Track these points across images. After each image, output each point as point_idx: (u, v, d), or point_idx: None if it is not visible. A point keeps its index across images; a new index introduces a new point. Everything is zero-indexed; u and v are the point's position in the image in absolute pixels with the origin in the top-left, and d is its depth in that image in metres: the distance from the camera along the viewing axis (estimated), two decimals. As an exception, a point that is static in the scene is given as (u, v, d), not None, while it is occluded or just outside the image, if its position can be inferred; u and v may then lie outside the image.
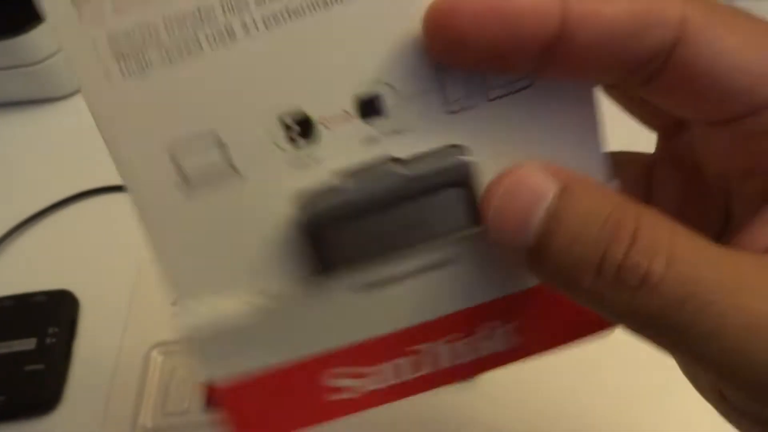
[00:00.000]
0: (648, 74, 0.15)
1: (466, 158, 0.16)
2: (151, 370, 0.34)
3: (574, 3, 0.14)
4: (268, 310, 0.17)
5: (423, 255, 0.17)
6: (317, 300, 0.17)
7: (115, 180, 0.43)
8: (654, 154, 0.20)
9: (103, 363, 0.34)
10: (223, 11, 0.15)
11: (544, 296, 0.18)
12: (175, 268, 0.17)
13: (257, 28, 0.15)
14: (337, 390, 0.18)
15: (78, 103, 0.49)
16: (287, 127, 0.16)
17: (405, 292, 0.17)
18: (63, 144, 0.46)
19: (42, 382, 0.33)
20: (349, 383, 0.18)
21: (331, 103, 0.15)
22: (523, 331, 0.19)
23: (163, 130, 0.15)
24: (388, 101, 0.16)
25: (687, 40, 0.14)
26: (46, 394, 0.33)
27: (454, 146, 0.16)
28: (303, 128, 0.16)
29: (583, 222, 0.14)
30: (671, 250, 0.13)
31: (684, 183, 0.18)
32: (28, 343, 0.34)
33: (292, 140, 0.16)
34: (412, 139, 0.16)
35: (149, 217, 0.16)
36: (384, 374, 0.18)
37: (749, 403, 0.14)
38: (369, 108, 0.16)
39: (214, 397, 0.18)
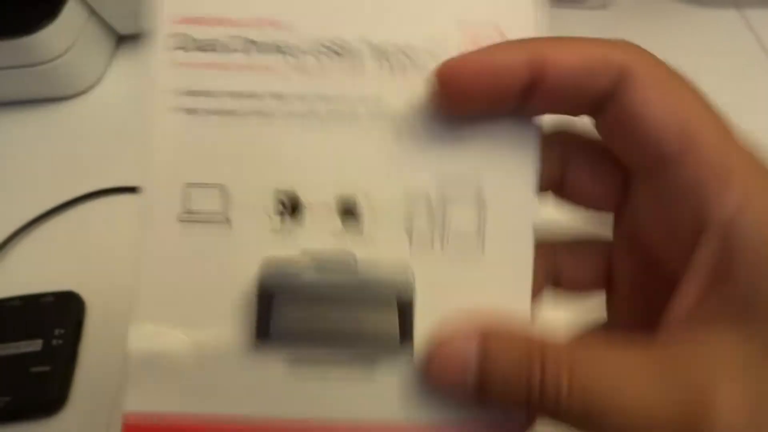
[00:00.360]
0: (598, 110, 0.18)
1: (410, 285, 0.19)
2: (157, 373, 0.34)
3: (548, 52, 0.18)
4: (206, 357, 0.19)
5: (352, 351, 0.19)
6: (253, 363, 0.19)
7: (123, 181, 0.43)
8: (611, 242, 0.22)
9: (109, 365, 0.34)
10: (270, 97, 0.19)
11: None
12: (146, 287, 0.19)
13: (289, 117, 0.19)
14: None
15: (87, 103, 0.49)
16: (280, 202, 0.18)
17: (332, 384, 0.19)
18: (71, 144, 0.46)
19: (48, 383, 0.33)
20: None
21: (319, 195, 0.19)
22: None
23: (188, 168, 0.19)
24: (363, 208, 0.19)
25: (624, 85, 0.17)
26: (51, 396, 0.33)
27: (403, 270, 0.19)
28: (292, 207, 0.19)
29: (504, 370, 0.17)
30: (570, 371, 0.16)
31: (637, 265, 0.20)
32: (35, 345, 0.34)
33: (280, 213, 0.19)
34: (372, 246, 0.19)
35: (148, 233, 0.19)
36: None
37: None
38: (347, 208, 0.19)
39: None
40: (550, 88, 0.18)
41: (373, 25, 0.19)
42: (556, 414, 0.17)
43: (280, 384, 0.19)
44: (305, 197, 0.19)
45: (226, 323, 0.19)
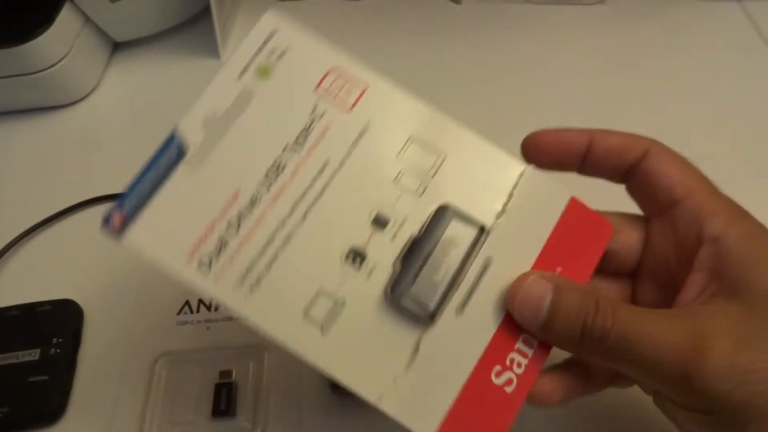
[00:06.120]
0: (630, 174, 0.27)
1: (447, 204, 0.26)
2: (156, 380, 0.34)
3: (596, 136, 0.27)
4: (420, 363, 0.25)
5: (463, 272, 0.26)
6: (447, 327, 0.25)
7: (120, 188, 0.42)
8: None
9: (108, 374, 0.34)
10: (276, 230, 0.25)
11: None
12: (355, 383, 0.24)
13: (299, 224, 0.25)
14: (508, 382, 0.25)
15: (83, 111, 0.49)
16: (350, 259, 0.25)
17: (478, 308, 0.25)
18: (67, 153, 0.46)
19: (46, 393, 0.33)
20: (509, 374, 0.25)
21: (359, 235, 0.25)
22: None
23: (294, 301, 0.24)
24: (387, 216, 0.26)
25: (646, 159, 0.26)
26: (50, 406, 0.33)
27: (440, 206, 0.26)
28: (357, 256, 0.25)
29: (569, 309, 0.24)
30: (614, 316, 0.23)
31: (655, 283, 0.28)
32: (32, 354, 0.34)
33: (356, 263, 0.25)
34: (410, 222, 0.26)
35: (305, 353, 0.24)
36: (519, 356, 0.25)
37: (670, 394, 0.24)
38: (380, 223, 0.26)
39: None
40: (597, 156, 0.27)
41: (272, 147, 0.26)
42: (598, 343, 0.23)
43: (465, 322, 0.25)
44: (358, 242, 0.25)
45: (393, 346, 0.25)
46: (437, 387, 0.24)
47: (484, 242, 0.26)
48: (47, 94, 0.48)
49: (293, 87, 0.26)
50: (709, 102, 0.46)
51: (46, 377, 0.33)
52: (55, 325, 0.35)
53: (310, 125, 0.26)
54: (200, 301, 0.36)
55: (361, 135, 0.26)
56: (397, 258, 0.25)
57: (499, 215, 0.26)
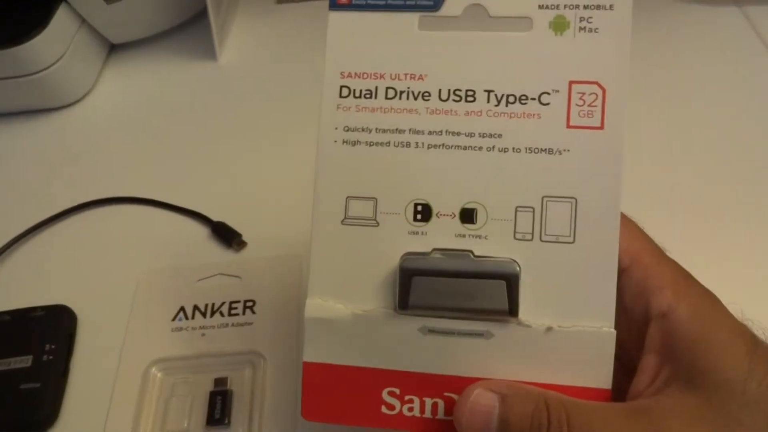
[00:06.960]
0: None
1: (516, 268, 0.24)
2: (150, 387, 0.33)
3: None
4: (359, 323, 0.25)
5: (471, 323, 0.24)
6: (394, 329, 0.25)
7: (115, 192, 0.42)
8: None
9: (101, 381, 0.33)
10: (409, 132, 0.25)
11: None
12: (315, 272, 0.25)
13: (424, 147, 0.25)
14: (389, 406, 0.25)
15: (78, 113, 0.49)
16: (416, 209, 0.25)
17: (454, 348, 0.24)
18: (61, 155, 0.46)
19: (38, 400, 0.32)
20: (395, 402, 0.25)
21: (446, 205, 0.24)
22: None
23: (348, 184, 0.25)
24: (480, 217, 0.24)
25: (632, 265, 0.24)
26: (42, 414, 0.32)
27: (511, 259, 0.24)
28: (424, 214, 0.25)
29: (520, 423, 0.22)
30: (568, 419, 0.22)
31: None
32: (24, 361, 0.33)
33: (415, 218, 0.25)
34: (487, 245, 0.24)
35: (316, 232, 0.25)
36: (419, 406, 0.25)
37: None
38: (467, 216, 0.24)
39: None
40: None
41: (495, 77, 0.24)
42: None
43: (415, 345, 0.25)
44: (435, 206, 0.25)
45: (374, 298, 0.25)
46: (353, 349, 0.25)
47: (497, 322, 0.24)
48: (42, 96, 0.48)
49: (561, 61, 0.24)
50: (709, 107, 0.46)
51: (38, 384, 0.33)
52: (48, 331, 0.35)
53: (528, 98, 0.24)
54: (195, 307, 0.36)
55: (548, 153, 0.24)
56: (440, 251, 0.24)
57: (547, 329, 0.24)
